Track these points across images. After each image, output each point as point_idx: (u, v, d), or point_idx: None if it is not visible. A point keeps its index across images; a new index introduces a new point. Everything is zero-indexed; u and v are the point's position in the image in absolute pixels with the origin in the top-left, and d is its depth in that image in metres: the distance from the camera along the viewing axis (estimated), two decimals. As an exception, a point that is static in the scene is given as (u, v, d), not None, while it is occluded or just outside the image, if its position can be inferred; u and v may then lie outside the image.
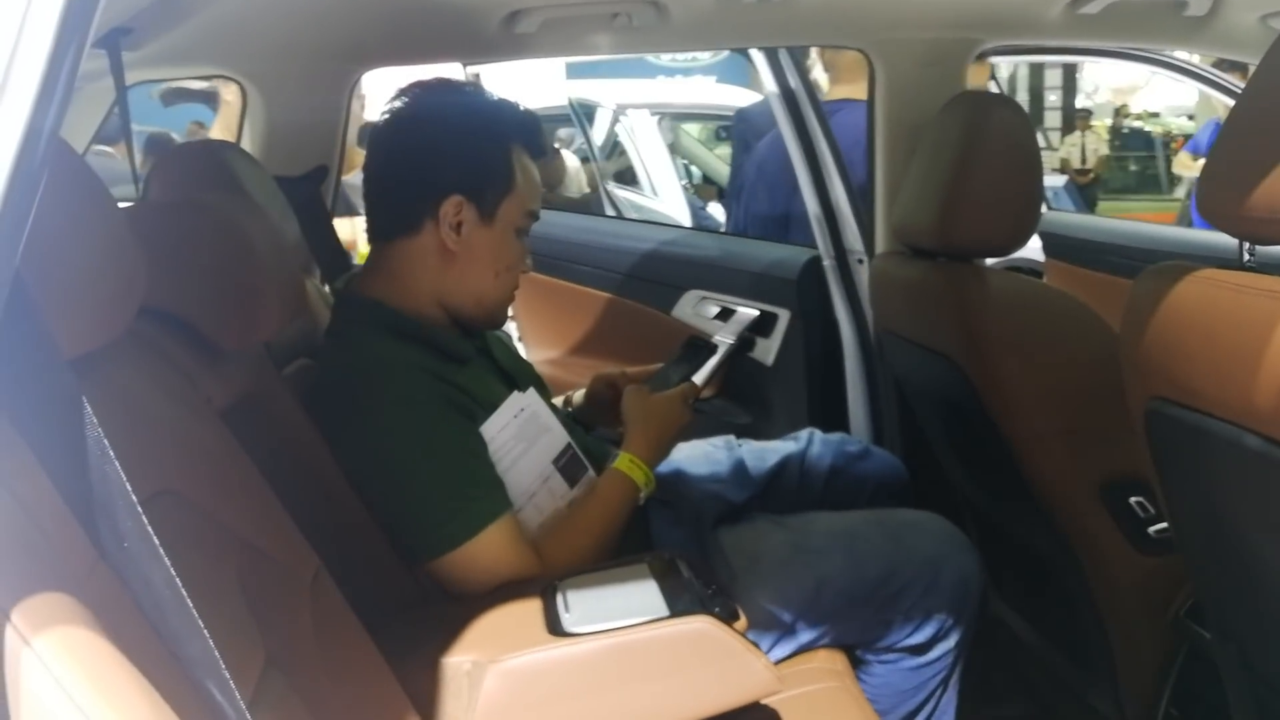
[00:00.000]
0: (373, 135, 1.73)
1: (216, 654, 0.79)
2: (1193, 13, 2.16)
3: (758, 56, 2.58)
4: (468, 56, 2.34)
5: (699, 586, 1.48)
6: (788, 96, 2.57)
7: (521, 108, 1.75)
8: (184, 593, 0.76)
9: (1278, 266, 1.18)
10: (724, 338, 2.17)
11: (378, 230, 1.74)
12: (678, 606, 1.42)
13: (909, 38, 2.35)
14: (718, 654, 1.39)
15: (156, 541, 0.76)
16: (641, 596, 1.46)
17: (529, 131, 1.74)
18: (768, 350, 2.70)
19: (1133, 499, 1.74)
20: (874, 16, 2.31)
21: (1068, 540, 1.83)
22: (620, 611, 1.41)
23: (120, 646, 0.75)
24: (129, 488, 0.75)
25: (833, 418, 2.58)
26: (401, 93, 1.71)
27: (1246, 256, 1.20)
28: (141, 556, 0.77)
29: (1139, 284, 1.34)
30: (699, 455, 2.10)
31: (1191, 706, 1.72)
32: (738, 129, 3.94)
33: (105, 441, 0.75)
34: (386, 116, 1.71)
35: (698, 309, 2.88)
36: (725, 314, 2.78)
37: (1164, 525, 1.71)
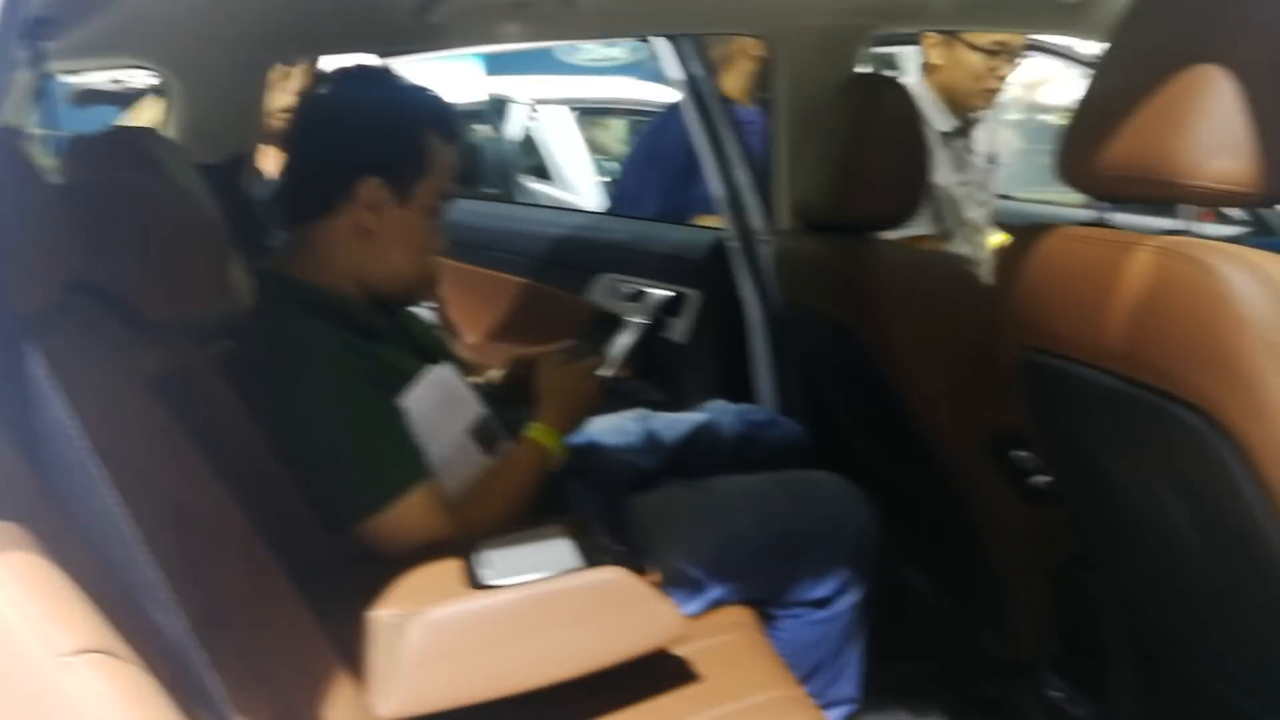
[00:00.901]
0: (290, 119, 1.78)
1: (158, 578, 0.85)
2: (1072, -1, 2.28)
3: (662, 45, 2.66)
4: (382, 47, 2.38)
5: (610, 543, 1.55)
6: (692, 84, 2.65)
7: (434, 93, 1.82)
8: (124, 518, 0.82)
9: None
10: (636, 319, 2.25)
11: (297, 211, 1.78)
12: (591, 560, 1.49)
13: (806, 25, 2.45)
14: (628, 601, 1.46)
15: (95, 471, 0.82)
16: (557, 552, 1.53)
17: (442, 116, 1.79)
18: (678, 329, 2.79)
19: (1015, 453, 1.84)
20: (773, 5, 2.41)
21: (959, 495, 1.93)
22: (536, 565, 1.48)
23: (69, 572, 0.81)
24: (69, 421, 0.81)
25: (741, 391, 2.67)
26: (318, 78, 1.76)
27: (1099, 213, 1.32)
28: (83, 487, 0.83)
29: (1011, 242, 1.45)
30: (612, 427, 2.18)
31: (1074, 644, 1.84)
32: None
33: (47, 380, 0.81)
34: (303, 101, 1.76)
35: (611, 292, 2.96)
36: (638, 296, 2.87)
37: (1045, 478, 1.82)
